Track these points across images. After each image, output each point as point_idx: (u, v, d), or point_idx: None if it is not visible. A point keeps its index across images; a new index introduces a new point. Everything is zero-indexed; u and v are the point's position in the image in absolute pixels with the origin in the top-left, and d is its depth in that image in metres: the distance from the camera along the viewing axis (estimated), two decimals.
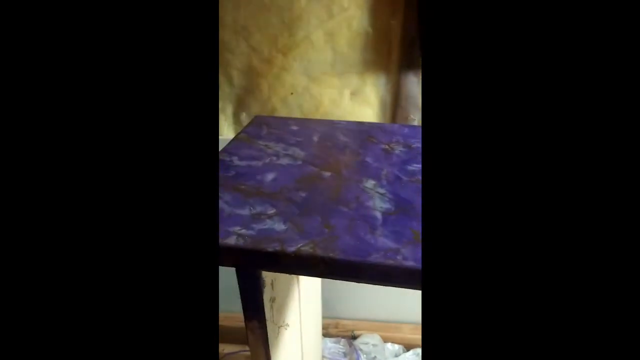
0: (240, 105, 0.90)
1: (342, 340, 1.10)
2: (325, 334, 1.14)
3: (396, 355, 1.11)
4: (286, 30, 0.82)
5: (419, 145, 0.60)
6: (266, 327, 0.43)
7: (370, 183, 0.48)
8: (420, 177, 0.49)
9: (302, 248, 0.37)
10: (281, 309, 0.50)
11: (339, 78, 0.86)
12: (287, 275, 0.53)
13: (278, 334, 0.49)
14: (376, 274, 0.35)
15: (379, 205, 0.44)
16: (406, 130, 0.67)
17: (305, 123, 0.68)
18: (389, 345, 1.13)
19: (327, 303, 1.15)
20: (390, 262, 0.36)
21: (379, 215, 0.42)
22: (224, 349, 1.15)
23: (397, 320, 1.17)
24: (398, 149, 0.58)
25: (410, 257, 0.36)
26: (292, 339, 0.58)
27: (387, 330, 1.17)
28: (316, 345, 0.94)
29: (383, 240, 0.38)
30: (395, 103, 0.89)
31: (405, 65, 0.85)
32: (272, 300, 0.45)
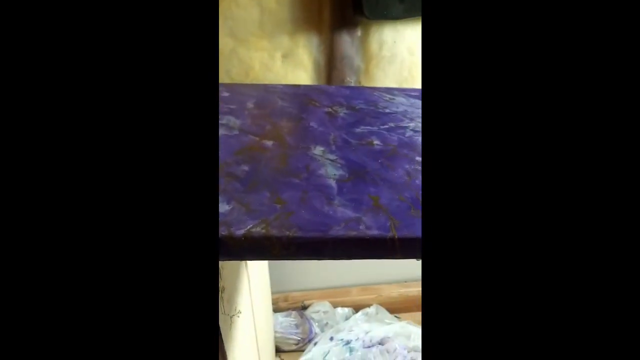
0: None
1: (293, 312, 1.09)
2: (276, 309, 1.12)
3: (347, 318, 1.13)
4: None
5: (364, 106, 0.56)
6: (217, 322, 0.38)
7: (318, 149, 0.44)
8: (371, 140, 0.46)
9: (253, 229, 0.32)
10: (231, 297, 0.45)
11: (269, 40, 0.79)
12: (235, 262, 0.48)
13: (231, 324, 0.44)
14: (340, 250, 0.32)
15: (331, 172, 0.40)
16: (347, 91, 0.63)
17: (236, 88, 0.61)
18: (339, 309, 1.15)
19: (274, 278, 1.12)
20: (354, 233, 0.32)
21: (333, 183, 0.38)
22: None
23: (345, 284, 1.19)
24: (342, 112, 0.54)
25: (374, 225, 0.33)
26: (246, 324, 0.54)
27: (336, 296, 1.18)
28: (268, 323, 0.92)
29: (342, 210, 0.35)
30: (330, 65, 0.84)
31: (338, 24, 0.80)
32: (222, 290, 0.40)
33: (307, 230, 0.32)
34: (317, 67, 0.85)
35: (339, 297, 1.18)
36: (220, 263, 0.39)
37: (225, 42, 0.78)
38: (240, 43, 0.78)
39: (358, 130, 0.49)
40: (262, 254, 0.32)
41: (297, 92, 0.61)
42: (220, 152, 0.42)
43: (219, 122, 0.48)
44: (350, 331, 1.06)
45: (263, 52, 0.80)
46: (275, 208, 0.34)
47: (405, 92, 0.63)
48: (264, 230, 0.32)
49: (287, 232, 0.32)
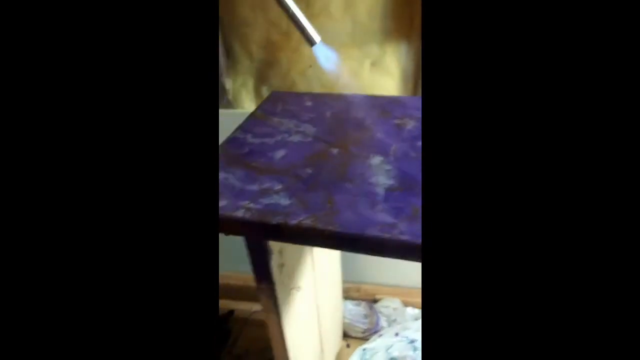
0: (260, 79, 0.92)
1: (363, 303, 1.16)
2: (347, 297, 1.20)
3: (416, 319, 1.15)
4: (303, 2, 0.81)
5: None
6: (275, 290, 0.48)
7: (377, 159, 0.50)
8: None
9: (304, 221, 0.40)
10: (291, 273, 0.54)
11: (359, 49, 0.85)
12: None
13: (289, 295, 0.53)
14: (371, 246, 0.38)
15: (382, 181, 0.45)
16: (420, 102, 0.66)
17: (320, 98, 0.69)
18: (409, 309, 1.17)
19: (349, 268, 1.20)
20: (386, 235, 0.38)
21: (381, 191, 0.44)
22: (252, 307, 1.25)
23: (418, 286, 1.21)
24: (411, 124, 0.58)
25: (407, 231, 0.38)
26: (305, 300, 0.63)
27: (408, 296, 1.21)
28: (336, 307, 1.00)
29: (382, 216, 0.40)
30: (417, 73, 0.87)
31: None
32: (281, 266, 0.49)
33: (347, 227, 0.39)
34: (405, 75, 0.89)
35: (410, 297, 1.20)
36: (282, 244, 0.48)
37: None
38: None
39: (420, 143, 0.53)
40: (308, 241, 0.40)
41: (374, 103, 0.67)
42: (293, 156, 0.51)
43: (298, 129, 0.57)
44: (417, 331, 1.08)
45: (353, 61, 0.87)
46: (325, 206, 0.42)
47: None
48: (312, 223, 0.39)
49: (330, 227, 0.39)
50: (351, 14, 0.82)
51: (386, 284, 1.22)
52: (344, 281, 1.22)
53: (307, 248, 0.62)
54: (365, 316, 1.13)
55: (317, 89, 0.90)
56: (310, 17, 0.83)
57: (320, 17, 0.83)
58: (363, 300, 1.19)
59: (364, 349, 1.05)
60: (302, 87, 0.90)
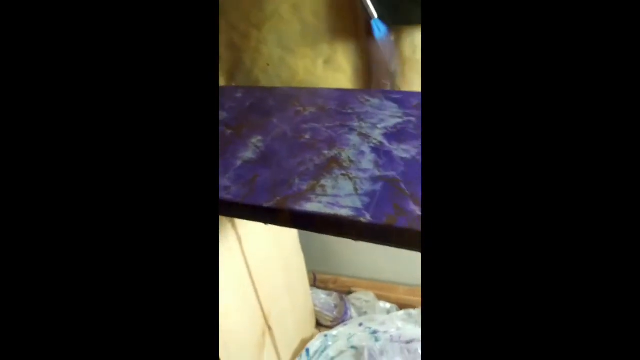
0: (230, 78, 1.02)
1: (334, 293, 1.20)
2: (325, 288, 1.25)
3: (388, 313, 1.17)
4: (256, 6, 0.90)
5: (332, 107, 0.65)
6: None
7: (256, 139, 0.56)
8: (302, 135, 0.56)
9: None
10: None
11: (311, 48, 0.92)
12: None
13: None
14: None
15: (246, 156, 0.52)
16: (336, 94, 0.71)
17: (252, 91, 0.77)
18: (381, 303, 1.19)
19: (327, 260, 1.25)
20: (220, 196, 0.44)
21: (238, 163, 0.50)
22: None
23: (393, 280, 1.22)
24: (309, 110, 0.64)
25: (236, 192, 0.44)
26: (226, 271, 0.70)
27: (383, 290, 1.23)
28: (302, 292, 1.05)
29: (224, 181, 0.47)
30: (366, 69, 0.91)
31: (372, 31, 0.87)
32: None
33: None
34: (356, 71, 0.93)
35: (384, 291, 1.22)
36: None
37: (275, 52, 0.94)
38: (287, 52, 0.93)
39: (305, 125, 0.58)
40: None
41: (294, 94, 0.73)
42: None
43: None
44: (382, 324, 1.10)
45: (306, 59, 0.93)
46: None
47: (387, 94, 0.68)
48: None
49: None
50: (299, 16, 0.88)
51: (362, 277, 1.25)
52: (321, 271, 1.27)
53: (224, 219, 0.69)
54: (335, 306, 1.17)
55: (277, 84, 0.97)
56: (264, 20, 0.91)
57: (273, 19, 0.90)
58: (339, 291, 1.23)
59: (326, 335, 1.09)
60: (264, 83, 0.98)
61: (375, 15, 0.65)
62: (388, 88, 0.91)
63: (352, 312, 1.17)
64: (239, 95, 0.74)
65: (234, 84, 1.02)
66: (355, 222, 0.37)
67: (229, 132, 0.59)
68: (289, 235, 0.96)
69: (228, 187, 0.46)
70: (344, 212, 0.38)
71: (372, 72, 0.91)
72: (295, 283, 1.03)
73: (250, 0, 0.89)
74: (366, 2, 0.65)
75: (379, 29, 0.71)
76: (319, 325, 1.21)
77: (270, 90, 0.76)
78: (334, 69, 0.93)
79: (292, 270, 1.00)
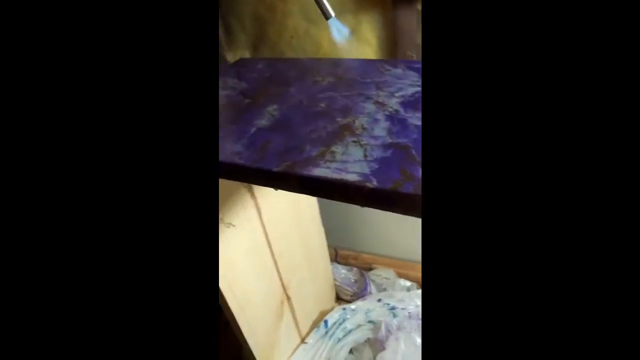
0: (255, 51, 1.02)
1: (355, 269, 1.21)
2: (345, 263, 1.26)
3: (408, 291, 1.17)
4: None
5: (351, 76, 0.63)
6: None
7: (272, 107, 0.56)
8: (318, 103, 0.55)
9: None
10: (220, 207, 0.64)
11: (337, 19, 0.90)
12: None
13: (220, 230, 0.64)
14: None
15: (261, 123, 0.52)
16: (356, 64, 0.70)
17: (274, 63, 0.77)
18: (401, 280, 1.19)
19: (349, 237, 1.25)
20: (231, 160, 0.45)
21: (253, 130, 0.51)
22: None
23: (414, 259, 1.21)
24: (327, 80, 0.63)
25: (247, 157, 0.45)
26: (243, 239, 0.72)
27: (403, 268, 1.22)
28: (323, 266, 1.07)
29: (237, 147, 0.48)
30: (391, 40, 0.88)
31: (399, 1, 0.83)
32: None
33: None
34: (381, 42, 0.90)
35: (406, 269, 1.21)
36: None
37: (300, 24, 0.93)
38: (312, 23, 0.91)
39: (321, 94, 0.58)
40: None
41: (316, 65, 0.72)
42: None
43: (233, 85, 0.66)
44: (401, 300, 1.10)
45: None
46: None
47: (409, 64, 0.66)
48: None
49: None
50: None
51: (383, 255, 1.25)
52: (342, 247, 1.28)
53: (245, 188, 0.71)
54: (355, 281, 1.18)
55: (301, 57, 0.96)
56: None
57: None
58: (359, 267, 1.24)
59: (344, 308, 1.11)
60: (289, 55, 0.98)
61: (332, 14, 0.61)
62: (414, 59, 0.88)
63: (372, 288, 1.17)
64: (260, 66, 0.74)
65: (258, 57, 1.03)
66: (361, 187, 0.37)
67: (246, 101, 0.60)
68: (309, 210, 0.97)
69: (240, 152, 0.46)
70: (351, 177, 0.38)
71: (397, 43, 0.88)
72: (315, 256, 1.04)
73: None
74: (322, 2, 0.60)
75: (338, 30, 0.66)
76: (339, 299, 1.22)
77: (292, 62, 0.76)
78: (359, 41, 0.91)
79: (312, 244, 1.02)
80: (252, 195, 0.73)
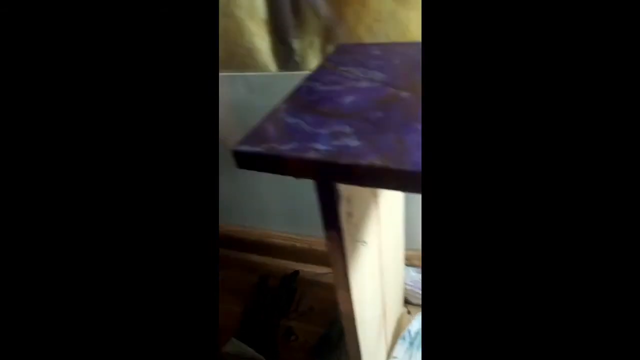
0: (327, 38, 0.90)
1: None
2: (410, 264, 1.18)
3: None
4: None
5: None
6: (343, 239, 0.48)
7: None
8: None
9: (375, 161, 0.39)
10: (358, 225, 0.54)
11: None
12: (364, 195, 0.56)
13: (355, 247, 0.53)
14: None
15: None
16: None
17: (388, 47, 0.66)
18: None
19: (412, 235, 1.17)
20: None
21: None
22: (316, 269, 1.28)
23: None
24: None
25: None
26: (370, 256, 0.62)
27: None
28: (397, 271, 0.99)
29: None
30: None
31: None
32: (349, 214, 0.49)
33: (419, 166, 0.37)
34: None
35: None
36: (349, 192, 0.47)
37: (385, 5, 0.82)
38: (399, 3, 0.81)
39: None
40: (379, 183, 0.39)
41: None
42: (361, 101, 0.50)
43: (366, 76, 0.56)
44: None
45: (420, 12, 0.81)
46: (396, 147, 0.40)
47: None
48: (383, 163, 0.38)
49: (402, 167, 0.37)
50: None
51: None
52: (408, 248, 1.20)
53: (373, 202, 0.61)
54: None
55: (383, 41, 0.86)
56: None
57: None
58: None
59: None
60: (368, 41, 0.87)
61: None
62: None
63: None
64: (377, 52, 0.64)
65: (331, 46, 0.91)
66: None
67: (404, 94, 0.50)
68: (399, 212, 0.88)
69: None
70: None
71: None
72: (398, 261, 0.96)
73: None
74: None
75: None
76: (407, 303, 1.15)
77: (409, 46, 0.65)
78: None
79: (398, 248, 0.93)
80: (377, 205, 0.63)
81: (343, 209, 0.47)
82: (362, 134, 0.43)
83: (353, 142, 0.42)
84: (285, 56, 0.94)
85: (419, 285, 1.11)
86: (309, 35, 0.91)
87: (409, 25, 0.83)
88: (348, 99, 0.50)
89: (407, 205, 1.00)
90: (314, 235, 1.26)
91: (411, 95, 0.49)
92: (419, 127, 0.43)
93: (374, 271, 0.67)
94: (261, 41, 0.94)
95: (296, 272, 1.26)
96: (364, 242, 0.58)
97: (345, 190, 0.46)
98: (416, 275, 1.12)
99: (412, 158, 0.38)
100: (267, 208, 1.28)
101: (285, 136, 0.45)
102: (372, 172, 0.38)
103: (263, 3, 0.89)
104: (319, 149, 0.42)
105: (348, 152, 0.41)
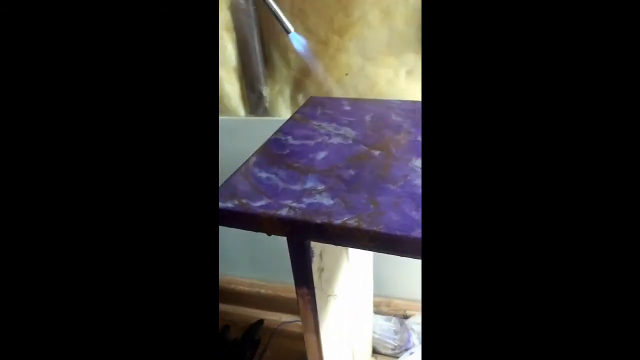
0: (297, 87, 0.93)
1: (394, 318, 1.12)
2: (377, 312, 1.17)
3: None
4: (342, 11, 0.82)
5: None
6: (315, 295, 0.47)
7: (419, 162, 0.48)
8: None
9: (348, 221, 0.39)
10: (330, 279, 0.53)
11: (395, 57, 0.85)
12: (336, 249, 0.56)
13: (327, 302, 0.52)
14: (418, 248, 0.36)
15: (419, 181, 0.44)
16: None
17: (358, 103, 0.69)
18: None
19: (379, 282, 1.17)
20: None
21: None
22: (282, 317, 1.23)
23: None
24: None
25: None
26: (340, 308, 0.61)
27: None
28: (366, 320, 0.97)
29: None
30: None
31: None
32: (321, 270, 0.48)
33: (392, 228, 0.38)
34: None
35: None
36: (322, 247, 0.47)
37: (355, 61, 0.87)
38: (369, 61, 0.86)
39: None
40: (353, 242, 0.39)
41: (412, 108, 0.66)
42: (334, 158, 0.50)
43: (338, 132, 0.57)
44: None
45: (388, 69, 0.86)
46: (369, 207, 0.41)
47: None
48: (357, 223, 0.38)
49: (376, 228, 0.38)
50: (388, 23, 0.82)
51: (418, 300, 1.18)
52: (376, 295, 1.19)
53: (344, 255, 0.60)
54: (396, 332, 1.10)
55: (352, 95, 0.90)
56: (348, 26, 0.84)
57: (358, 25, 0.83)
58: (393, 315, 1.16)
59: None
60: (338, 95, 0.91)
61: (292, 29, 0.64)
62: None
63: (414, 338, 1.09)
64: (347, 108, 0.66)
65: (301, 95, 0.94)
66: None
67: (375, 152, 0.51)
68: (369, 261, 0.88)
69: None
70: None
71: None
72: (365, 309, 0.94)
73: (336, 4, 0.81)
74: (281, 18, 0.63)
75: (298, 42, 0.72)
76: (376, 352, 1.12)
77: (378, 103, 0.68)
78: (417, 80, 0.87)
79: (367, 296, 0.92)
80: (348, 258, 0.63)
81: (315, 265, 0.46)
82: (335, 191, 0.43)
83: (327, 201, 0.42)
84: (255, 102, 0.95)
85: (387, 334, 1.09)
86: (278, 83, 0.93)
87: (378, 80, 0.88)
88: (320, 155, 0.51)
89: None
90: (280, 281, 1.23)
91: (382, 153, 0.51)
92: (392, 187, 0.44)
93: (343, 324, 0.65)
94: (231, 87, 0.95)
95: (260, 322, 1.20)
96: (335, 295, 0.57)
97: (317, 247, 0.46)
98: (384, 324, 1.11)
99: (386, 219, 0.39)
100: (230, 254, 1.24)
101: (256, 192, 0.44)
102: (347, 233, 0.38)
103: (234, 52, 0.91)
104: (293, 207, 0.42)
105: (322, 211, 0.40)
